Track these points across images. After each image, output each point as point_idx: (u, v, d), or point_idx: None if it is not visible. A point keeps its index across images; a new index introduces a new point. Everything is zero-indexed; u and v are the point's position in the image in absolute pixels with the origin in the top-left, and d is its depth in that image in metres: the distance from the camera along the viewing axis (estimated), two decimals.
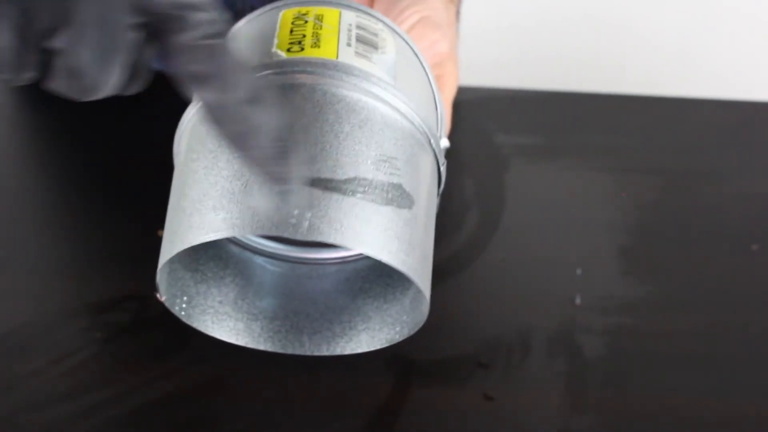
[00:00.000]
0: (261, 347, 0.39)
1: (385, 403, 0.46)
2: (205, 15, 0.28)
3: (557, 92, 0.67)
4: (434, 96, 0.39)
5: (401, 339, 0.38)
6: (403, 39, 0.39)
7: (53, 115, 0.65)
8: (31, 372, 0.48)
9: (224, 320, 0.39)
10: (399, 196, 0.32)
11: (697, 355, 0.49)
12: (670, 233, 0.56)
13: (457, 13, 0.51)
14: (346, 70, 0.33)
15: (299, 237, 0.30)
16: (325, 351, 0.40)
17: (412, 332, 0.38)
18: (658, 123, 0.65)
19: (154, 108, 0.65)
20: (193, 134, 0.35)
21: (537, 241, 0.56)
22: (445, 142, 0.38)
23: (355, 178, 0.31)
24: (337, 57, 0.34)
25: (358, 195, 0.31)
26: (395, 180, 0.32)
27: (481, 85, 0.66)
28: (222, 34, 0.29)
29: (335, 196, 0.30)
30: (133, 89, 0.31)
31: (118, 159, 0.60)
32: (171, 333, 0.49)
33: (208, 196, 0.31)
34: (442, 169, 0.37)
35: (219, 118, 0.29)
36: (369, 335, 0.39)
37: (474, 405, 0.46)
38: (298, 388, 0.47)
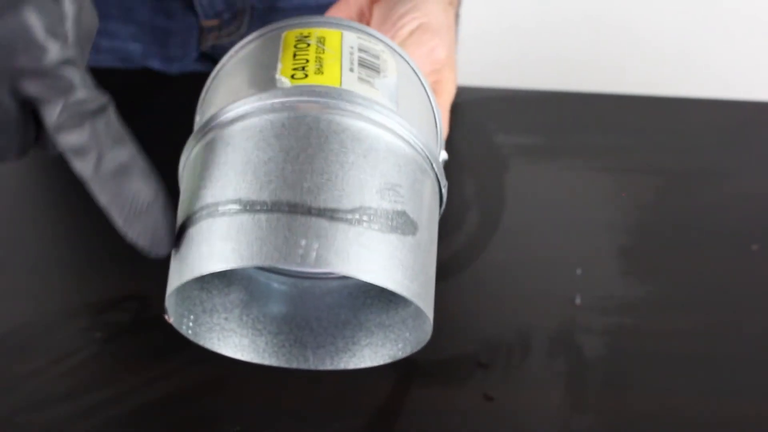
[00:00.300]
0: (266, 362, 0.40)
1: (385, 403, 0.46)
2: (78, 95, 0.31)
3: (557, 92, 0.67)
4: (434, 114, 0.40)
5: (404, 356, 0.38)
6: (403, 58, 0.39)
7: None
8: (31, 372, 0.48)
9: (230, 336, 0.39)
10: (403, 223, 0.32)
11: (697, 355, 0.49)
12: (670, 233, 0.56)
13: (456, 16, 0.52)
14: (349, 98, 0.34)
15: (307, 268, 0.30)
16: (328, 365, 0.40)
17: (414, 350, 0.38)
18: (658, 123, 0.65)
19: (155, 108, 0.65)
20: (197, 160, 0.35)
21: (537, 241, 0.56)
22: (443, 155, 0.39)
23: (360, 207, 0.31)
24: (340, 84, 0.34)
25: (364, 224, 0.31)
26: (399, 207, 0.33)
27: (481, 85, 0.66)
28: (97, 111, 0.32)
29: (341, 226, 0.31)
30: (49, 151, 0.34)
31: None
32: (171, 333, 0.49)
33: (216, 226, 0.31)
34: (444, 191, 0.37)
35: (92, 188, 0.32)
36: (372, 350, 0.39)
37: (474, 405, 0.46)
38: (298, 388, 0.47)
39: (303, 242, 0.30)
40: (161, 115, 0.63)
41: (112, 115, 0.32)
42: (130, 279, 0.52)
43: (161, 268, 0.53)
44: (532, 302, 0.52)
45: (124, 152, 0.32)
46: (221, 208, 0.32)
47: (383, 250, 0.31)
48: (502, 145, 0.62)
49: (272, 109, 0.33)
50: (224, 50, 0.67)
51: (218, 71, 0.39)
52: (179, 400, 0.46)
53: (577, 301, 0.52)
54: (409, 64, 0.39)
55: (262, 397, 0.47)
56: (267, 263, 0.30)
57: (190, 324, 0.38)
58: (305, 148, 0.32)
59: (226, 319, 0.39)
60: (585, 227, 0.57)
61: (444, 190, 0.37)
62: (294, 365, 0.40)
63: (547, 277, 0.53)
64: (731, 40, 1.29)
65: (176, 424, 0.46)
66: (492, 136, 0.63)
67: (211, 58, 0.69)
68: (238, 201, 0.31)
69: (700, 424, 0.46)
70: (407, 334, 0.38)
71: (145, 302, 0.51)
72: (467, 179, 0.60)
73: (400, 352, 0.38)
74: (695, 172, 0.61)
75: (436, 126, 0.40)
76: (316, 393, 0.47)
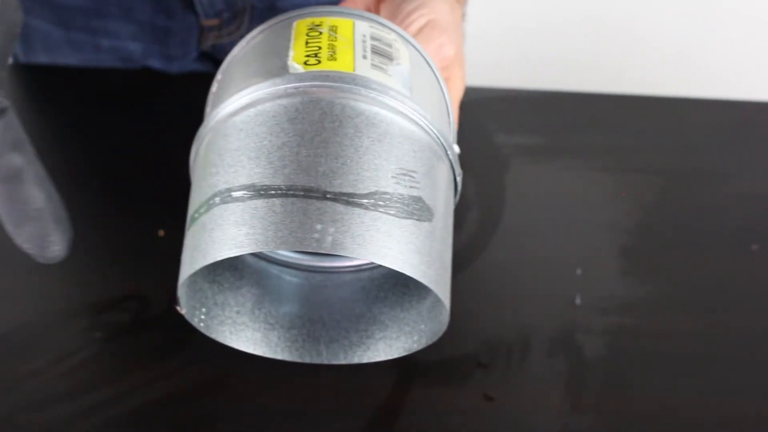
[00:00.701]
0: (278, 356, 0.39)
1: (385, 403, 0.46)
2: None
3: (557, 92, 0.67)
4: (447, 104, 0.39)
5: (419, 348, 0.38)
6: (416, 48, 0.39)
7: (53, 114, 0.65)
8: (31, 372, 0.48)
9: (242, 330, 0.39)
10: (419, 209, 0.32)
11: (697, 355, 0.49)
12: (670, 233, 0.56)
13: (463, 14, 0.51)
14: (363, 83, 0.33)
15: (323, 251, 0.30)
16: (342, 360, 0.39)
17: (430, 342, 0.37)
18: (658, 123, 0.65)
19: (155, 108, 0.65)
20: (210, 148, 0.35)
21: (537, 241, 0.56)
22: (456, 149, 0.39)
23: (375, 192, 0.31)
24: (353, 70, 0.34)
25: (380, 209, 0.31)
26: (415, 193, 0.32)
27: (481, 85, 0.66)
28: None
29: (357, 210, 0.31)
30: None
31: (119, 159, 0.60)
32: (171, 333, 0.49)
33: (229, 211, 0.31)
34: (459, 179, 0.37)
35: None
36: (386, 344, 0.39)
37: (474, 405, 0.46)
38: (298, 388, 0.47)
39: (318, 226, 0.30)
40: (161, 115, 0.63)
41: (11, 119, 0.32)
42: (130, 279, 0.52)
43: (161, 268, 0.53)
44: (532, 302, 0.52)
45: (19, 158, 0.32)
46: (235, 194, 0.31)
47: (399, 235, 0.31)
48: (502, 145, 0.62)
49: (285, 95, 0.33)
50: (224, 50, 0.68)
51: (229, 62, 0.39)
52: (179, 400, 0.46)
53: (577, 301, 0.52)
54: (421, 54, 0.39)
55: (262, 397, 0.47)
56: (282, 248, 0.30)
57: (202, 317, 0.37)
58: (319, 133, 0.32)
59: (238, 312, 0.39)
60: (585, 227, 0.57)
61: (459, 179, 0.37)
62: (307, 360, 0.39)
63: (547, 277, 0.53)
64: (731, 40, 1.29)
65: (176, 424, 0.46)
66: (492, 136, 0.63)
67: (211, 57, 0.69)
68: (252, 186, 0.31)
69: (700, 424, 0.46)
70: (422, 326, 0.38)
71: (145, 302, 0.51)
72: (467, 179, 0.59)
73: (415, 345, 0.38)
74: (695, 172, 0.61)
75: (449, 116, 0.39)
76: (316, 393, 0.47)
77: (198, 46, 0.67)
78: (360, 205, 0.31)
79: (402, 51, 0.37)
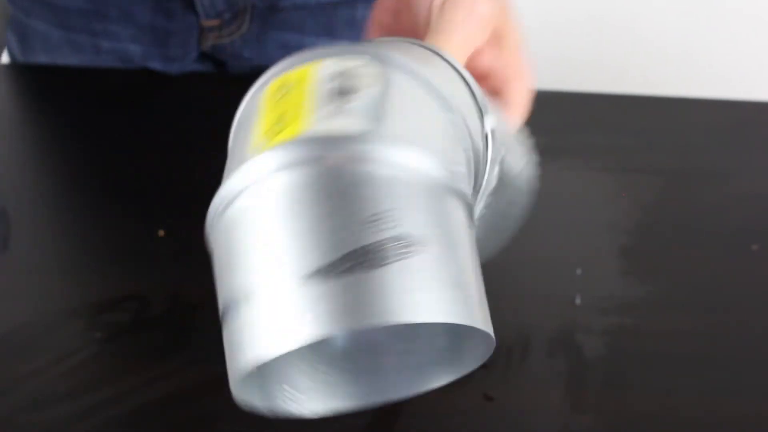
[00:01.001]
0: (352, 406, 0.38)
1: (385, 403, 0.46)
2: None
3: (557, 92, 0.67)
4: (450, 103, 0.36)
5: (477, 365, 0.36)
6: (397, 60, 0.36)
7: (54, 114, 0.65)
8: (31, 372, 0.48)
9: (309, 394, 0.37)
10: (404, 246, 0.30)
11: (697, 355, 0.49)
12: (670, 233, 0.56)
13: None
14: (321, 142, 0.31)
15: (320, 339, 0.28)
16: (412, 391, 0.38)
17: (484, 359, 0.35)
18: (658, 123, 0.65)
19: (155, 108, 0.65)
20: (232, 230, 0.33)
21: (537, 241, 0.55)
22: (491, 122, 0.36)
23: (350, 253, 0.29)
24: (311, 126, 0.32)
25: (359, 268, 0.29)
26: (395, 232, 0.30)
27: None
28: None
29: (333, 282, 0.29)
30: None
31: (119, 159, 0.60)
32: (171, 333, 0.49)
33: (228, 329, 0.31)
34: (460, 169, 0.34)
35: None
36: (448, 367, 0.37)
37: (474, 405, 0.46)
38: None
39: (308, 316, 0.28)
40: (161, 115, 0.64)
41: None
42: (130, 279, 0.52)
43: (161, 268, 0.53)
44: (532, 302, 0.52)
45: None
46: (223, 314, 0.31)
47: (391, 284, 0.29)
48: None
49: (250, 186, 0.32)
50: (224, 50, 0.68)
51: (231, 130, 0.38)
52: (179, 400, 0.46)
53: (577, 301, 0.52)
54: (406, 65, 0.37)
55: None
56: (273, 356, 0.29)
57: (287, 395, 0.36)
58: (283, 218, 0.30)
59: (298, 375, 0.37)
60: (585, 227, 0.57)
61: (460, 168, 0.34)
62: (378, 400, 0.38)
63: (547, 277, 0.53)
64: (732, 40, 1.29)
65: (176, 424, 0.46)
66: None
67: (211, 57, 0.69)
68: (231, 298, 0.30)
69: (700, 424, 0.46)
70: (476, 342, 0.36)
71: (145, 302, 0.51)
72: None
73: (474, 363, 0.36)
74: (695, 172, 0.61)
75: (472, 92, 0.37)
76: None
77: (198, 46, 0.67)
78: (337, 275, 0.29)
79: (370, 76, 0.34)
